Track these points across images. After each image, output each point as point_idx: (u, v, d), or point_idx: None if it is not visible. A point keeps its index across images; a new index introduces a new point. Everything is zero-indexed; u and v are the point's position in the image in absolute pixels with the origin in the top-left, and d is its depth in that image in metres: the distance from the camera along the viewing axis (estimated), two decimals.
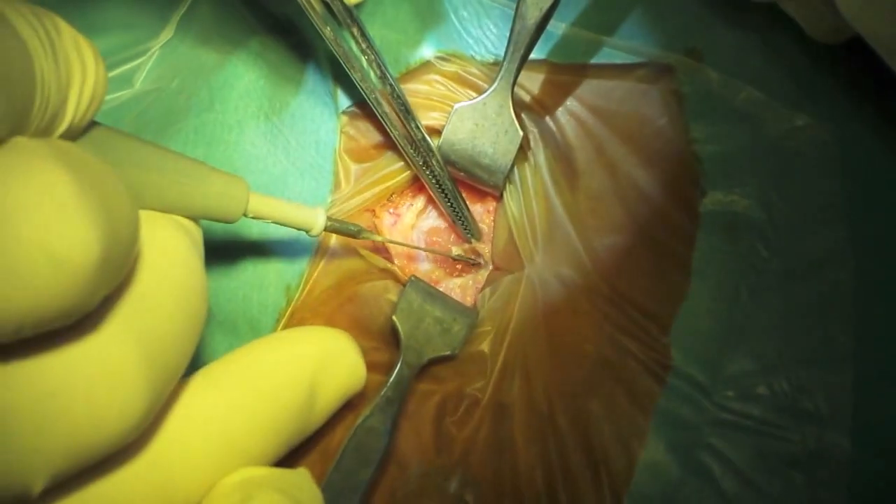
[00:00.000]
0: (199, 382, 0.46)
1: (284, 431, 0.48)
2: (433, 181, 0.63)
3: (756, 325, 0.60)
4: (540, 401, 0.60)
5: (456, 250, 0.67)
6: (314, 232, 0.53)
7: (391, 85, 0.61)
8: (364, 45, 0.60)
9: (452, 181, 0.64)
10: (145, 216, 0.40)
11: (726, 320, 0.60)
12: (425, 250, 0.67)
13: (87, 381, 0.36)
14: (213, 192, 0.46)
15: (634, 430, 0.59)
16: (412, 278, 0.63)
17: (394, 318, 0.61)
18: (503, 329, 0.63)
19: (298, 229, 0.53)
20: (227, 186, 0.47)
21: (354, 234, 0.56)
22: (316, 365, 0.50)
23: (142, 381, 0.38)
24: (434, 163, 0.63)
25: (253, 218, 0.50)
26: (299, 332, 0.52)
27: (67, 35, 0.36)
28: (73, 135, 0.38)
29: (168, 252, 0.42)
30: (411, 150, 0.63)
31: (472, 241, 0.66)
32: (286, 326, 0.62)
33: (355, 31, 0.59)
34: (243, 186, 0.48)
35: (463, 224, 0.65)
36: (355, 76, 0.60)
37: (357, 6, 0.59)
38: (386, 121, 0.62)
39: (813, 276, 0.60)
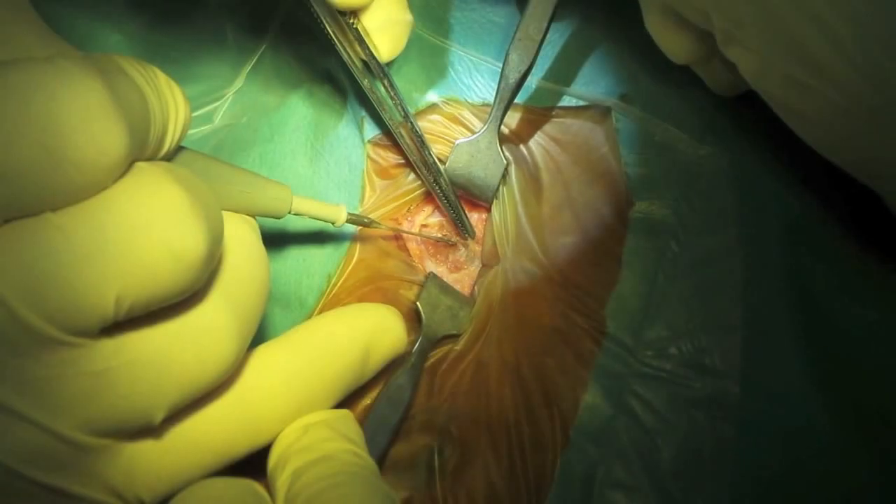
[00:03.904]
0: (281, 346, 0.54)
1: (343, 383, 0.56)
2: (441, 195, 0.71)
3: (669, 302, 0.69)
4: (510, 358, 0.69)
5: (440, 235, 0.74)
6: (338, 223, 0.61)
7: (411, 122, 0.68)
8: (392, 93, 0.68)
9: (456, 195, 0.72)
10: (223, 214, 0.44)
11: (647, 298, 0.70)
12: (417, 234, 0.74)
13: (194, 337, 0.43)
14: (266, 196, 0.54)
15: (579, 380, 0.68)
16: (431, 274, 0.71)
17: (417, 304, 0.69)
18: (486, 308, 0.70)
19: (327, 221, 0.61)
20: (277, 191, 0.55)
21: (367, 224, 0.65)
22: (371, 333, 0.57)
23: (233, 334, 0.45)
24: (442, 181, 0.70)
25: (295, 214, 0.57)
26: (359, 308, 0.60)
27: (163, 80, 0.43)
28: (169, 157, 0.45)
29: (241, 240, 0.49)
30: (425, 171, 0.70)
31: (469, 238, 0.73)
32: (326, 304, 0.69)
33: (385, 82, 0.67)
34: (288, 191, 0.56)
35: (463, 226, 0.72)
36: (384, 115, 0.68)
37: (387, 64, 0.67)
38: (406, 149, 0.70)
39: (712, 265, 0.70)
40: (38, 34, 0.43)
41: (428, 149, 0.70)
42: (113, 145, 0.37)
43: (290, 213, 0.57)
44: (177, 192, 0.39)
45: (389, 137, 0.73)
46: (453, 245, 0.75)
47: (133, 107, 0.39)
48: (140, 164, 0.40)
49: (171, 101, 0.43)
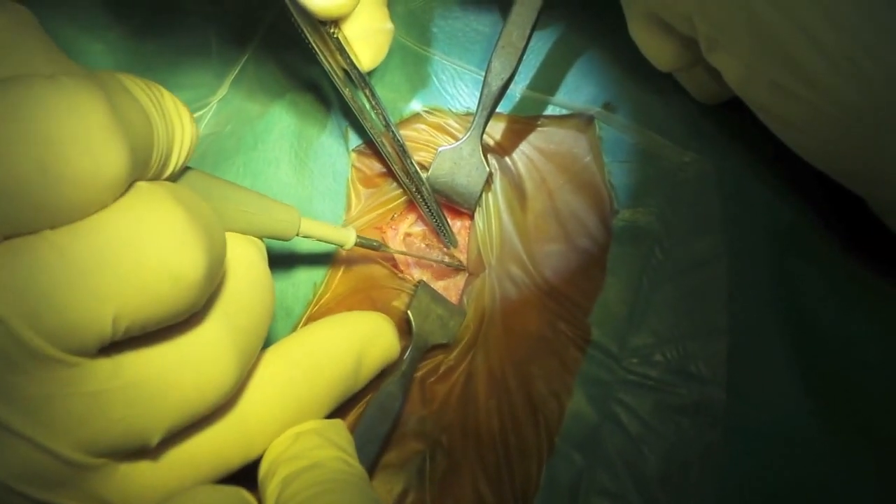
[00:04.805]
0: (275, 357, 0.55)
1: (337, 392, 0.57)
2: (423, 203, 0.71)
3: (654, 309, 0.69)
4: (496, 367, 0.69)
5: (446, 258, 0.74)
6: (347, 246, 0.62)
7: (393, 132, 0.69)
8: (373, 102, 0.68)
9: (437, 203, 0.72)
10: (227, 236, 0.45)
11: (632, 305, 0.69)
12: (426, 258, 0.74)
13: (194, 360, 0.44)
14: (274, 219, 0.54)
15: (564, 387, 0.68)
16: (421, 283, 0.71)
17: (409, 312, 0.69)
18: (476, 318, 0.71)
19: (335, 244, 0.62)
20: (284, 214, 0.55)
21: (376, 247, 0.66)
22: (364, 341, 0.58)
23: (233, 359, 0.45)
24: (424, 190, 0.71)
25: (303, 237, 0.58)
26: (351, 316, 0.61)
27: (168, 99, 0.43)
28: (174, 177, 0.45)
29: (246, 262, 0.50)
30: (407, 180, 0.71)
31: (451, 247, 0.74)
32: (313, 313, 0.70)
33: (367, 91, 0.68)
34: (296, 213, 0.56)
35: (445, 235, 0.73)
36: (366, 125, 0.68)
37: (368, 73, 0.67)
38: (388, 158, 0.70)
39: (696, 272, 0.69)
40: (44, 51, 0.42)
41: (409, 158, 0.71)
42: (112, 164, 0.37)
43: (298, 235, 0.58)
44: (176, 213, 0.40)
45: (373, 146, 0.73)
46: (463, 269, 0.75)
47: (135, 126, 0.39)
48: (141, 184, 0.40)
49: (177, 121, 0.44)
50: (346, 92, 0.67)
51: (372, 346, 0.60)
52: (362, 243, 0.64)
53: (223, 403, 0.47)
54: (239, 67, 0.72)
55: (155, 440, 0.43)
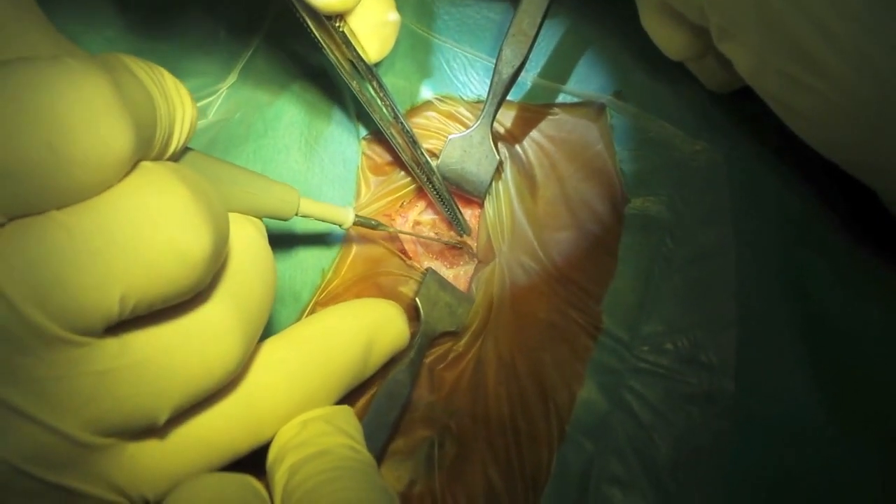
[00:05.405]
0: (284, 342, 0.55)
1: (346, 379, 0.57)
2: (434, 192, 0.71)
3: (664, 297, 0.70)
4: (506, 354, 0.69)
5: (446, 239, 0.75)
6: (346, 225, 0.62)
7: (402, 123, 0.69)
8: (381, 94, 0.68)
9: (449, 192, 0.72)
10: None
11: (642, 294, 0.70)
12: (424, 238, 0.74)
13: (200, 339, 0.44)
14: (273, 198, 0.55)
15: (574, 375, 0.69)
16: (430, 270, 0.71)
17: (416, 299, 0.69)
18: (485, 305, 0.71)
19: (334, 224, 0.62)
20: (284, 193, 0.56)
21: (374, 226, 0.66)
22: (373, 328, 0.59)
23: (238, 336, 0.46)
24: (435, 179, 0.70)
25: (302, 216, 0.58)
26: (361, 303, 0.61)
27: (170, 81, 0.44)
28: (176, 157, 0.46)
29: (247, 241, 0.50)
30: (417, 170, 0.71)
31: (464, 235, 0.74)
32: (321, 299, 0.70)
33: (375, 83, 0.68)
34: (295, 193, 0.57)
35: (457, 223, 0.73)
36: (375, 116, 0.68)
37: (375, 64, 0.67)
38: (398, 148, 0.70)
39: (706, 262, 0.70)
40: (45, 34, 0.42)
41: (419, 148, 0.71)
42: (118, 143, 0.37)
43: (297, 215, 0.58)
44: (182, 192, 0.40)
45: (382, 135, 0.73)
46: (460, 248, 0.75)
47: (139, 106, 0.40)
48: (145, 164, 0.41)
49: (178, 101, 0.44)
50: (354, 84, 0.67)
51: (381, 334, 0.60)
52: (360, 222, 0.64)
53: (229, 381, 0.47)
54: (247, 56, 0.73)
55: (162, 418, 0.44)
